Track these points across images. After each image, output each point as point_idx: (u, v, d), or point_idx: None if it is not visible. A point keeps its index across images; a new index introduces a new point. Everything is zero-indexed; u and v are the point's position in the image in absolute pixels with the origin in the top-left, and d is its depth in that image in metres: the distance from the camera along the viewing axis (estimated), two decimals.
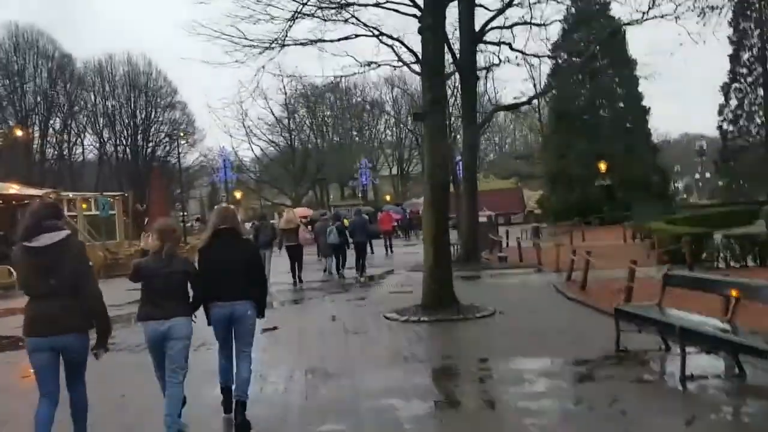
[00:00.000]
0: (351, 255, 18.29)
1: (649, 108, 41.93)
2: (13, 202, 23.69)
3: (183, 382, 5.03)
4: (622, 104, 42.33)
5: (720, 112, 41.63)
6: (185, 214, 48.02)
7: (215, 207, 6.48)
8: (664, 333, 6.76)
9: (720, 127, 42.05)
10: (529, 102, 28.93)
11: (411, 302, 11.20)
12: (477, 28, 19.23)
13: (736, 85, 40.65)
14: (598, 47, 33.90)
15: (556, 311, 10.38)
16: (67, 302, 4.39)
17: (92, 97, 56.85)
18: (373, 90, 70.56)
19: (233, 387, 5.40)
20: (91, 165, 58.11)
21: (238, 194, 52.72)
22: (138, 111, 57.73)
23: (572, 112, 42.18)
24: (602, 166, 37.14)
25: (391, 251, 25.43)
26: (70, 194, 28.16)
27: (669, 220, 23.99)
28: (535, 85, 43.81)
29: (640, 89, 41.46)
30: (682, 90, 51.03)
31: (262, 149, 53.14)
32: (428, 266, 10.64)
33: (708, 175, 79.91)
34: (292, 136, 51.95)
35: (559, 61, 43.47)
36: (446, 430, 5.34)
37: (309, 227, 19.96)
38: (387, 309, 10.94)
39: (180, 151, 51.60)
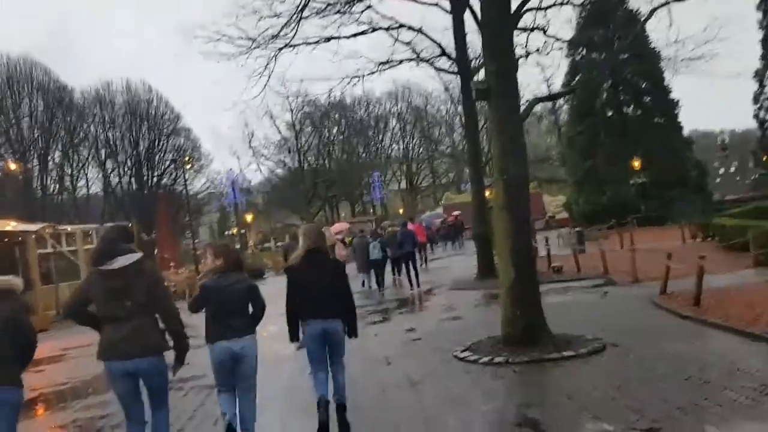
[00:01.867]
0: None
1: (678, 101, 39.44)
2: (5, 240, 21.52)
3: (255, 399, 5.16)
4: (648, 98, 39.80)
5: (756, 100, 38.97)
6: (196, 241, 45.68)
7: (302, 227, 6.32)
8: None
9: (756, 116, 39.36)
10: (572, 91, 26.57)
11: (482, 333, 8.83)
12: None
13: None
14: (618, 37, 31.39)
15: (686, 340, 7.78)
16: (143, 325, 4.40)
17: (92, 128, 54.95)
18: (377, 106, 69.23)
19: (331, 394, 5.52)
20: (96, 198, 56.11)
21: (248, 217, 50.45)
22: (141, 139, 55.71)
23: (596, 110, 39.78)
24: (636, 164, 34.61)
25: (426, 265, 24.12)
26: (69, 228, 26.00)
27: (732, 216, 21.49)
28: (549, 85, 41.54)
29: (666, 83, 39.04)
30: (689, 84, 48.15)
31: (270, 170, 50.96)
32: (508, 285, 8.20)
33: (733, 169, 77.28)
34: (301, 155, 49.62)
35: (577, 57, 41.62)
36: None
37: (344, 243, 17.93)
38: (451, 344, 8.62)
39: (186, 177, 49.48)
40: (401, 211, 65.53)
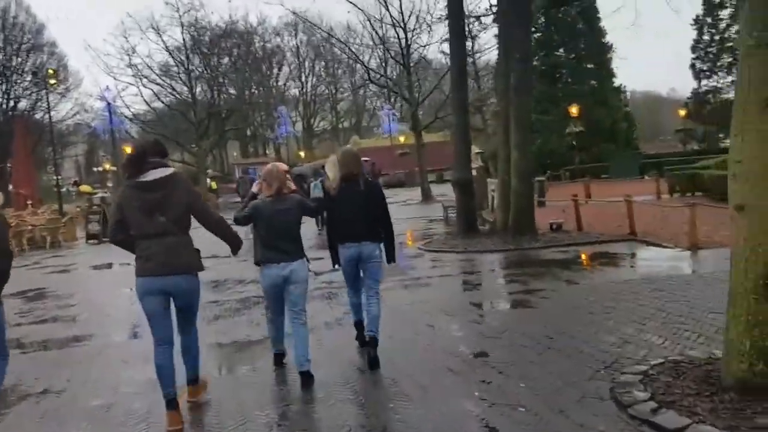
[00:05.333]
0: None
1: (612, 45, 37.05)
2: None
3: (307, 323, 5.03)
4: (583, 44, 37.05)
5: (693, 49, 37.28)
6: (59, 177, 38.22)
7: (338, 151, 6.17)
8: None
9: (693, 66, 37.71)
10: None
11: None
12: None
13: (708, 18, 36.38)
14: None
15: None
16: (178, 241, 4.27)
17: None
18: (273, 38, 62.62)
19: (365, 323, 5.42)
20: None
21: (127, 149, 42.96)
22: None
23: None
24: (574, 111, 31.71)
25: None
26: None
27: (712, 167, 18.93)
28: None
29: (602, 24, 36.47)
30: None
31: (156, 94, 43.47)
32: None
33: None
34: (192, 80, 42.44)
35: None
36: None
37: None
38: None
39: (49, 101, 41.17)
40: (302, 154, 60.34)
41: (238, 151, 68.74)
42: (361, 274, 5.42)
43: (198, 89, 44.56)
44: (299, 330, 4.92)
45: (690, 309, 6.16)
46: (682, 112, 41.00)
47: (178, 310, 4.44)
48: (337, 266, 5.56)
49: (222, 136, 42.40)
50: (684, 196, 18.73)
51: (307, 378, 4.82)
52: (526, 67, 12.73)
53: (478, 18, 23.94)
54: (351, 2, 27.51)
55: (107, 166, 57.60)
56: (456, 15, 14.44)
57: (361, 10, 29.26)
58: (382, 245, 5.41)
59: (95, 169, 69.34)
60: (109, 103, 33.63)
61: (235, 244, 4.64)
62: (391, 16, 27.18)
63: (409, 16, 27.72)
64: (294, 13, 29.63)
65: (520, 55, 12.57)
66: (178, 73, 42.81)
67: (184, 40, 41.69)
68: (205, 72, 44.67)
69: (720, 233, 10.54)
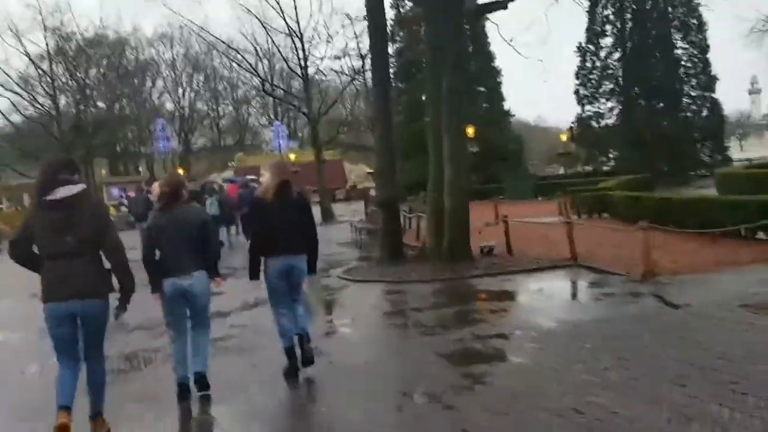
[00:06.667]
0: None
1: (501, 69, 37.63)
2: None
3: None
4: (473, 64, 37.30)
5: (576, 75, 38.59)
6: None
7: (271, 162, 6.12)
8: None
9: (577, 92, 39.00)
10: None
11: None
12: None
13: (591, 46, 37.90)
14: None
15: None
16: (86, 263, 4.14)
17: None
18: (146, 49, 58.75)
19: (296, 325, 5.39)
20: None
21: None
22: None
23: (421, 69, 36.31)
24: (470, 131, 31.45)
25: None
26: None
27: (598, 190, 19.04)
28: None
29: (492, 48, 36.99)
30: None
31: (15, 105, 38.53)
32: None
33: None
34: (55, 91, 38.05)
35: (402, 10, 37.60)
36: None
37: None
38: None
39: None
40: (181, 171, 56.73)
41: (107, 168, 63.40)
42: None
43: (62, 101, 40.23)
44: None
45: (722, 358, 5.07)
46: (564, 137, 42.41)
47: (85, 339, 4.27)
48: (255, 280, 5.41)
49: (88, 153, 38.27)
50: (591, 218, 18.54)
51: (202, 381, 4.94)
52: (455, 76, 11.61)
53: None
54: (245, 7, 25.81)
55: None
56: (376, 11, 12.98)
57: (255, 16, 27.40)
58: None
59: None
60: None
61: (126, 286, 4.30)
62: (287, 24, 25.58)
63: (306, 26, 26.25)
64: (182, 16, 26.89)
65: (453, 61, 11.48)
66: (40, 82, 38.36)
67: (47, 45, 37.46)
68: (70, 82, 40.46)
69: (666, 258, 9.94)
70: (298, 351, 5.30)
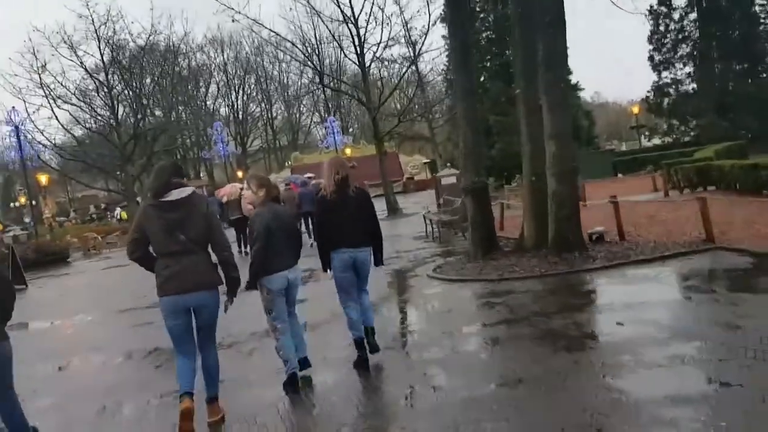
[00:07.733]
0: None
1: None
2: None
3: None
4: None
5: (650, 40, 35.94)
6: None
7: (328, 159, 6.06)
8: None
9: (651, 57, 36.33)
10: None
11: None
12: None
13: (663, 8, 35.22)
14: None
15: None
16: (198, 259, 4.45)
17: None
18: (197, 55, 58.60)
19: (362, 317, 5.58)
20: None
21: (42, 178, 38.10)
22: None
23: (480, 49, 34.55)
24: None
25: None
26: None
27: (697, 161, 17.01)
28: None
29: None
30: None
31: (75, 118, 38.64)
32: None
33: None
34: (113, 100, 37.91)
35: None
36: None
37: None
38: None
39: None
40: (240, 174, 56.53)
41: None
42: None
43: (121, 110, 40.18)
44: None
45: None
46: (636, 109, 39.83)
47: (199, 329, 4.56)
48: (329, 271, 5.58)
49: (149, 160, 38.11)
50: (694, 192, 16.66)
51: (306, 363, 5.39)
52: (555, 37, 10.07)
53: None
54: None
55: (23, 200, 52.19)
56: None
57: (308, 3, 26.31)
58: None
59: (13, 204, 63.23)
60: (16, 127, 28.92)
61: (233, 280, 4.63)
62: (341, 10, 24.35)
63: (360, 12, 24.96)
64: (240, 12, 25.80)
65: (550, 18, 9.94)
66: (98, 93, 38.36)
67: (102, 55, 37.31)
68: (126, 92, 40.45)
69: None
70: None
